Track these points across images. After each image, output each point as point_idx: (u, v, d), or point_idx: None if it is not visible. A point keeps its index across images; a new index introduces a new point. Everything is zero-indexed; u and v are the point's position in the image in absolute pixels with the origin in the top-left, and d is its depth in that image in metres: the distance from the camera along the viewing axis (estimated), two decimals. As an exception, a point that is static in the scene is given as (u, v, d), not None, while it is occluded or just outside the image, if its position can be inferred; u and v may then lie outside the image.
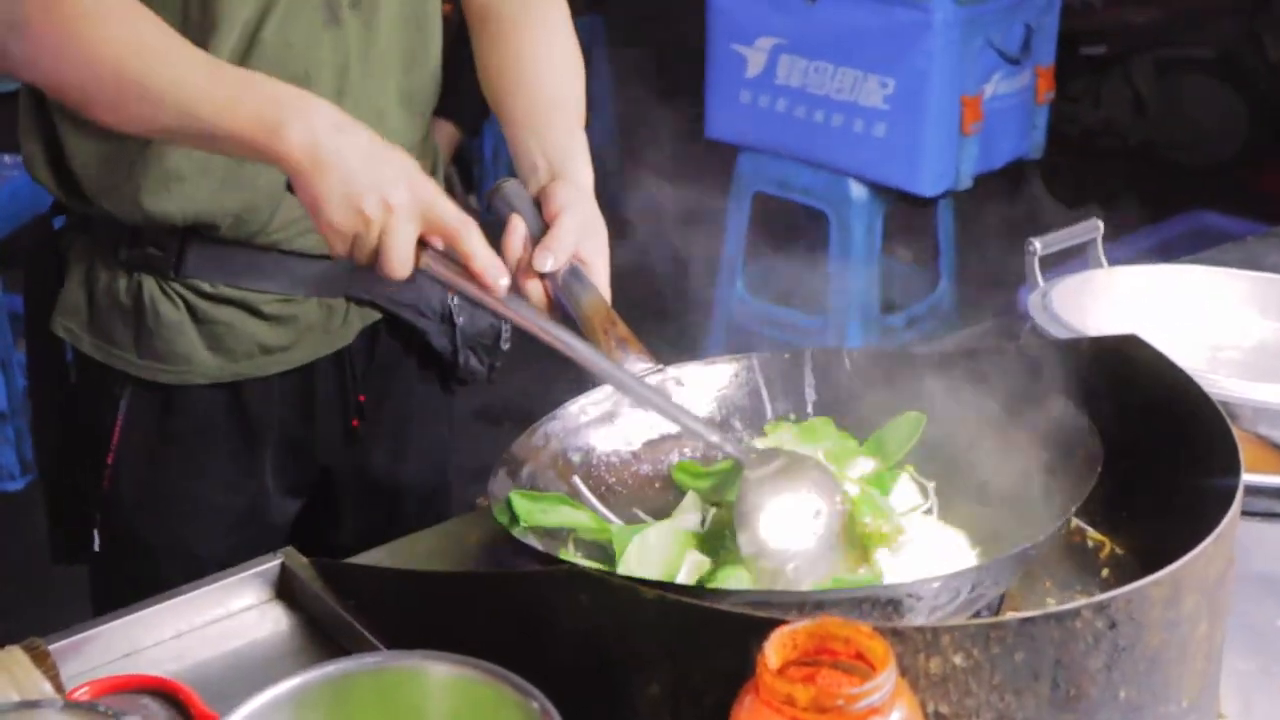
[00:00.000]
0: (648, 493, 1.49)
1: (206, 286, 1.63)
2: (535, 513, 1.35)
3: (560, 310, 1.47)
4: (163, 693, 1.27)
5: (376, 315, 1.75)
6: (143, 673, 1.30)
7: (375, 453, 1.82)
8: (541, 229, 1.48)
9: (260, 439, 1.72)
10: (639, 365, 1.45)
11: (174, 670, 1.32)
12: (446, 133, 4.94)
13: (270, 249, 1.64)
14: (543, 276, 1.46)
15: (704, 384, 1.53)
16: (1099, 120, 5.69)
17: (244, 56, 1.53)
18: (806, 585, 1.29)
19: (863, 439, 1.49)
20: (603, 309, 1.47)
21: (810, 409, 1.53)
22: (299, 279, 1.66)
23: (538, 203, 1.52)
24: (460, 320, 1.80)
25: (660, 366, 1.48)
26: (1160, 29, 5.56)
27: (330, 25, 1.57)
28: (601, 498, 1.45)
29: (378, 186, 1.33)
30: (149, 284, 1.62)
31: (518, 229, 1.48)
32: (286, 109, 1.35)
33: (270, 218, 1.61)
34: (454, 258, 1.37)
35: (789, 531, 1.31)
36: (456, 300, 1.79)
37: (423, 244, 1.37)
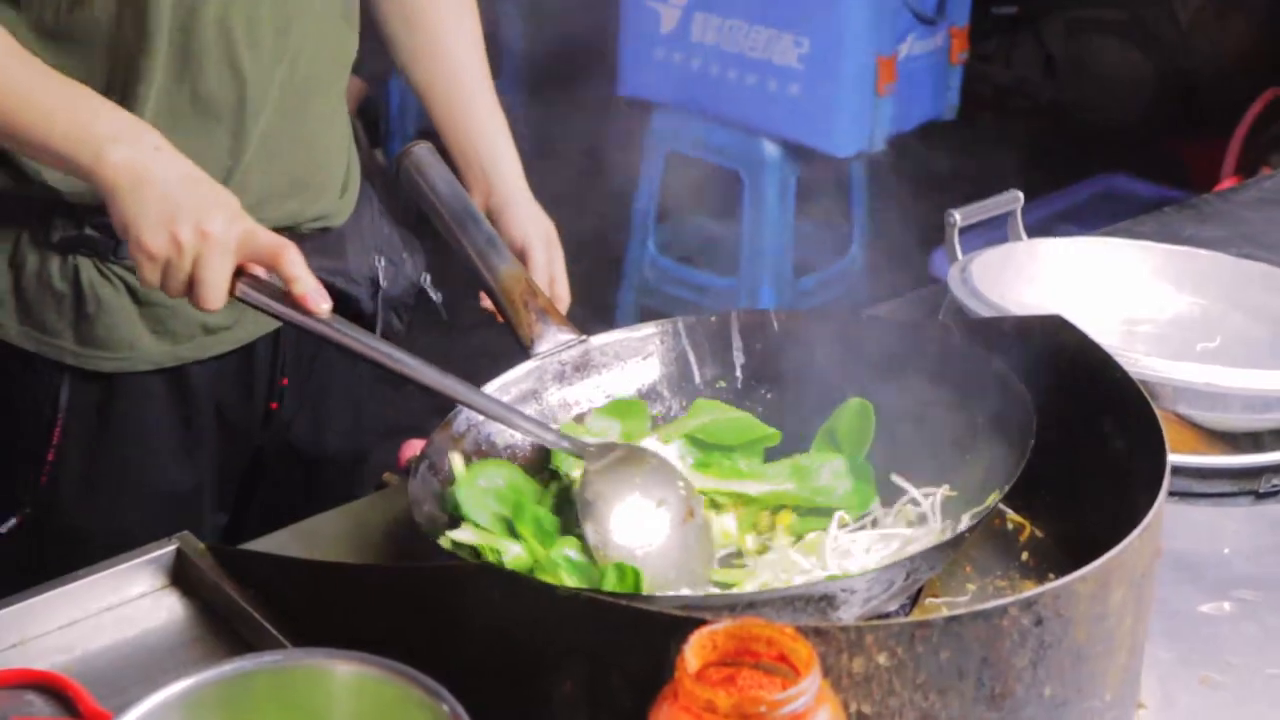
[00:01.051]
0: None
1: None
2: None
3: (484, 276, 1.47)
4: (49, 688, 1.22)
5: None
6: (29, 666, 1.24)
7: (297, 429, 1.77)
8: (463, 204, 1.47)
9: (202, 422, 1.67)
10: (562, 335, 1.44)
11: (63, 662, 1.26)
12: (352, 85, 4.85)
13: None
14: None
15: (629, 351, 1.49)
16: (1010, 81, 5.69)
17: None
18: (656, 574, 1.27)
19: (789, 403, 1.46)
20: (521, 281, 1.44)
21: (739, 373, 1.50)
22: None
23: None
24: (385, 283, 1.76)
25: (584, 337, 1.46)
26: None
27: None
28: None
29: (195, 212, 1.29)
30: (86, 267, 1.55)
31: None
32: (105, 123, 1.32)
33: None
34: (275, 282, 1.32)
35: (635, 522, 1.29)
36: (383, 264, 1.75)
37: (240, 271, 1.32)
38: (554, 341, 1.45)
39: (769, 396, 1.50)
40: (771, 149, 3.89)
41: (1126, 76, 5.44)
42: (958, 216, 1.87)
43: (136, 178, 1.29)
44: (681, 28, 3.92)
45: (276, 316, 1.32)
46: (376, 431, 1.90)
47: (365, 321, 1.77)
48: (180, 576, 1.35)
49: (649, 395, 1.49)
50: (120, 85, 1.47)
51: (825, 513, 1.35)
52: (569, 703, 1.07)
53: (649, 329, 1.50)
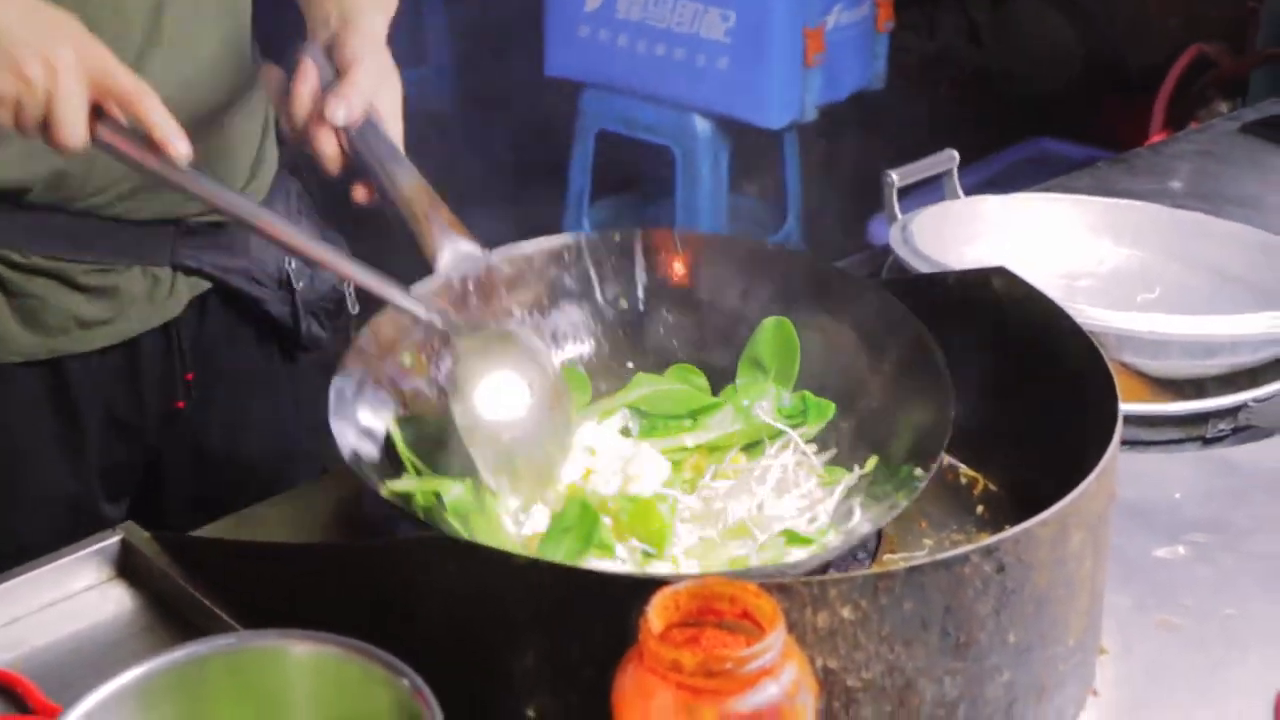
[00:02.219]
0: None
1: (16, 256, 1.51)
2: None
3: (358, 168, 1.38)
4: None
5: (206, 285, 1.64)
6: (-27, 665, 1.21)
7: (209, 433, 1.70)
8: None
9: (83, 419, 1.60)
10: (464, 247, 1.37)
11: (9, 660, 1.22)
12: (270, 74, 4.78)
13: (87, 214, 1.51)
14: (337, 130, 1.36)
15: (528, 266, 1.44)
16: (936, 49, 5.71)
17: None
18: (525, 458, 1.26)
19: (690, 325, 1.45)
20: (424, 193, 1.37)
21: (641, 293, 1.47)
22: (120, 246, 1.54)
23: (329, 54, 1.41)
24: (299, 285, 1.69)
25: (487, 251, 1.40)
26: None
27: None
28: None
29: (39, 46, 1.20)
30: None
31: (307, 76, 1.37)
32: None
33: (85, 181, 1.49)
34: (135, 130, 1.25)
35: (504, 402, 1.28)
36: (294, 264, 1.69)
37: (99, 115, 1.24)
38: (456, 253, 1.37)
39: (670, 318, 1.47)
40: (702, 124, 3.89)
41: (1050, 41, 5.47)
42: (895, 177, 1.87)
43: None
44: (607, 5, 3.91)
45: (137, 167, 1.25)
46: (303, 426, 1.82)
47: (278, 326, 1.71)
48: (126, 567, 1.32)
49: (552, 311, 1.45)
50: None
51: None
52: (532, 675, 1.05)
53: (552, 242, 1.46)
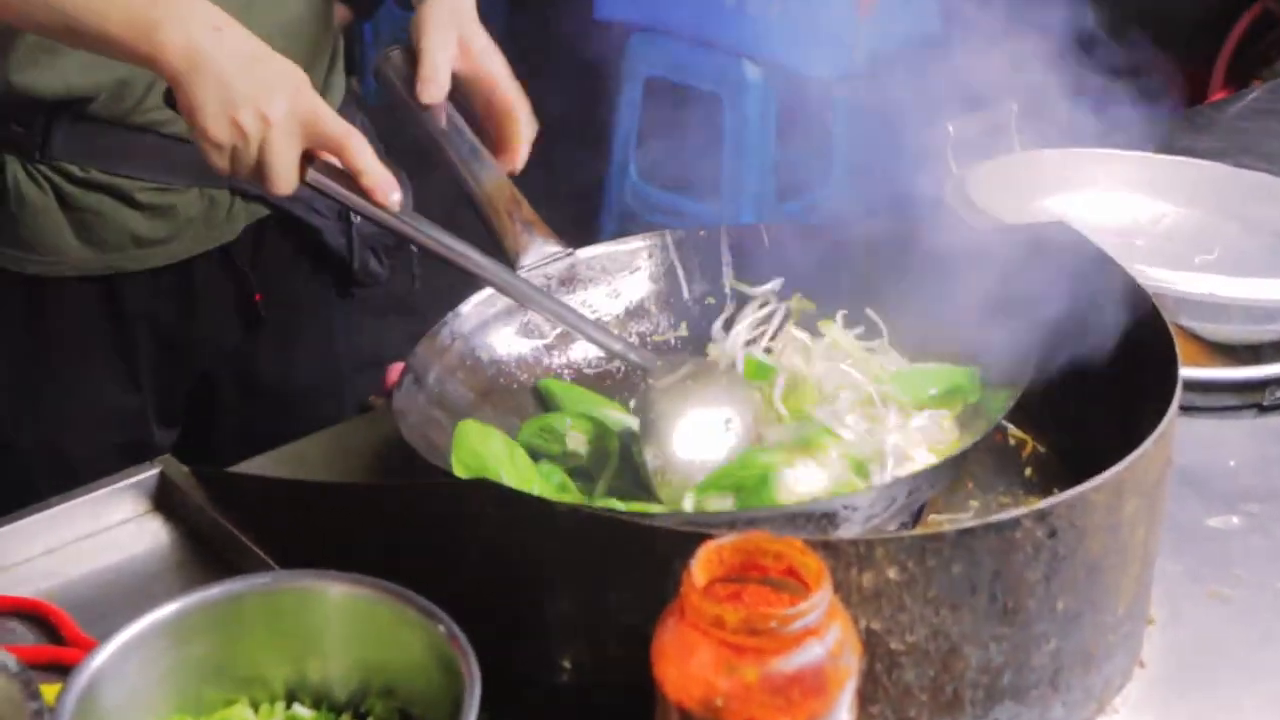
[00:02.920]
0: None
1: (76, 170, 1.51)
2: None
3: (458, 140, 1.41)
4: (32, 615, 1.18)
5: (265, 211, 1.64)
6: (9, 593, 1.20)
7: (261, 358, 1.71)
8: (445, 108, 1.40)
9: (136, 338, 1.61)
10: (548, 246, 1.39)
11: (44, 589, 1.22)
12: (338, 12, 4.76)
13: (147, 130, 1.51)
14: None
15: (616, 265, 1.45)
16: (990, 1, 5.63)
17: None
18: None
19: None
20: (507, 190, 1.39)
21: (728, 290, 1.46)
22: (178, 166, 1.53)
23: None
24: (357, 219, 1.68)
25: (570, 250, 1.42)
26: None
27: None
28: (514, 396, 1.37)
29: (254, 98, 1.22)
30: (12, 165, 1.50)
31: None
32: (162, 7, 1.23)
33: (146, 93, 1.49)
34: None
35: (698, 443, 1.25)
36: None
37: (310, 157, 1.27)
38: (540, 254, 1.40)
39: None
40: (752, 71, 3.84)
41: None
42: (951, 129, 1.83)
43: (193, 63, 1.22)
44: (659, -51, 3.86)
45: (349, 206, 1.28)
46: (352, 362, 1.84)
47: (334, 258, 1.71)
48: (163, 501, 1.31)
49: (636, 311, 1.45)
50: None
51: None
52: (567, 622, 1.04)
53: (637, 242, 1.47)
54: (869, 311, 1.40)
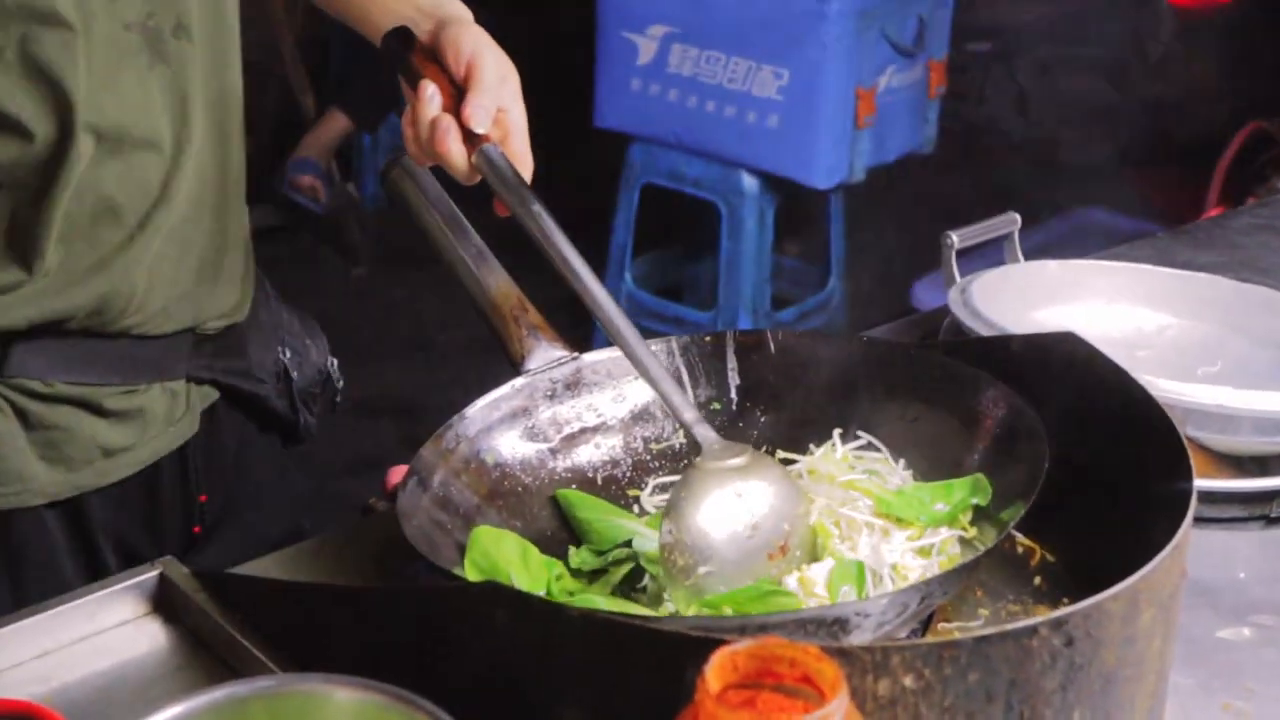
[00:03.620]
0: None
1: (39, 386, 1.41)
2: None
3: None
4: (28, 718, 1.16)
5: (215, 395, 1.57)
6: (3, 696, 1.18)
7: (220, 543, 1.60)
8: (453, 212, 1.40)
9: (101, 554, 1.51)
10: (554, 351, 1.38)
11: (40, 694, 1.20)
12: (339, 123, 4.82)
13: (120, 336, 1.43)
14: (467, 144, 1.32)
15: (621, 369, 1.43)
16: (984, 116, 5.70)
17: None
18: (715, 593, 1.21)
19: (784, 425, 1.43)
20: (513, 296, 1.39)
21: (734, 394, 1.45)
22: (140, 364, 1.46)
23: (430, 54, 1.38)
24: (295, 375, 1.63)
25: (575, 354, 1.41)
26: (1045, 27, 5.58)
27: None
28: (519, 500, 1.36)
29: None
30: None
31: (431, 97, 1.33)
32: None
33: (128, 304, 1.42)
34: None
35: (718, 533, 1.23)
36: (289, 354, 1.63)
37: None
38: (545, 358, 1.40)
39: (764, 419, 1.46)
40: (750, 181, 3.88)
41: (1098, 113, 5.47)
42: (955, 238, 1.84)
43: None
44: (659, 59, 3.91)
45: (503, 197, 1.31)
46: (340, 461, 1.79)
47: (279, 420, 1.65)
48: (163, 603, 1.29)
49: (641, 416, 1.44)
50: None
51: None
52: (577, 730, 1.02)
53: None
54: (866, 434, 1.40)
